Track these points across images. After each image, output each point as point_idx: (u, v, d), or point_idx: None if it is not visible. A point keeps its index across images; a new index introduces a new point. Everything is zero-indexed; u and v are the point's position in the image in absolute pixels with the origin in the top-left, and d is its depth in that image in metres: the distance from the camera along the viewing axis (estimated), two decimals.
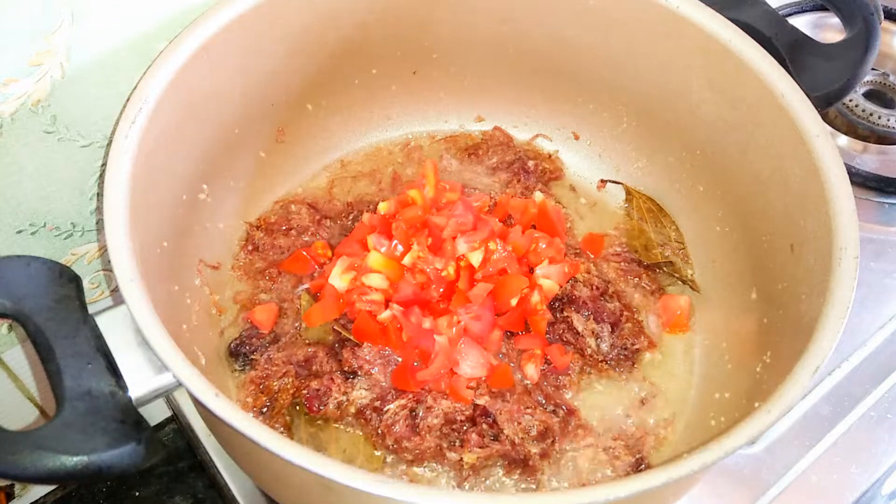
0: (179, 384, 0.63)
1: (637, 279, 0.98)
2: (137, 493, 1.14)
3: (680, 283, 0.98)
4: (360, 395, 0.83)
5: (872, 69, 1.25)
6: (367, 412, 0.83)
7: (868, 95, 1.25)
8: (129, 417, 0.62)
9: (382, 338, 0.85)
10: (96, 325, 0.66)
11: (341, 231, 0.98)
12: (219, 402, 0.60)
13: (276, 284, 0.93)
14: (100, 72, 0.81)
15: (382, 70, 1.03)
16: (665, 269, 0.99)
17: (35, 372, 1.00)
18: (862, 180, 1.14)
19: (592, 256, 0.99)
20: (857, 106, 1.22)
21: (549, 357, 0.88)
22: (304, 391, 0.83)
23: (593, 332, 0.89)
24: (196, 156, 0.85)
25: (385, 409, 0.82)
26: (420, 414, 0.81)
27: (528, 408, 0.83)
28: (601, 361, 0.89)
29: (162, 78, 0.76)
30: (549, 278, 0.90)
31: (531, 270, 0.92)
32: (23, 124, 0.79)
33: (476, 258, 0.88)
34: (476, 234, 0.89)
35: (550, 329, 0.90)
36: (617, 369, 0.90)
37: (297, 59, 0.93)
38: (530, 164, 1.05)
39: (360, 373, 0.84)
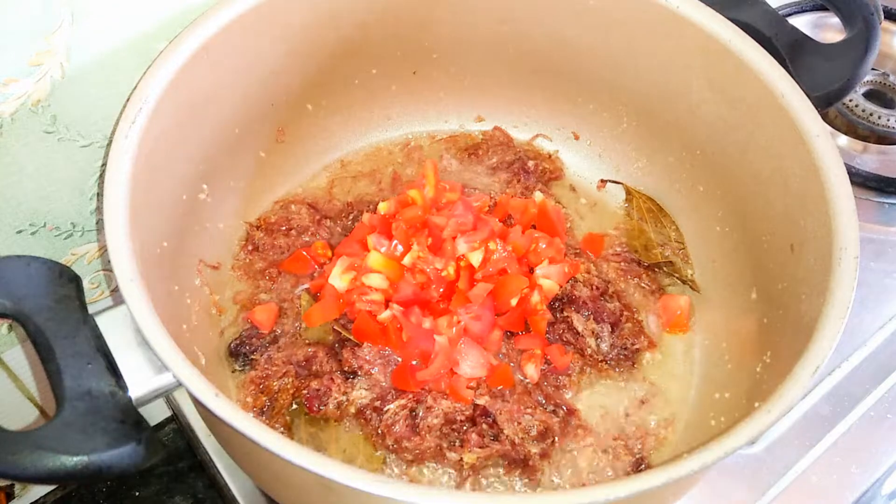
0: (179, 384, 0.63)
1: (637, 279, 0.98)
2: (137, 493, 1.14)
3: (680, 283, 0.98)
4: (360, 395, 0.83)
5: (872, 69, 1.25)
6: (367, 412, 0.83)
7: (868, 95, 1.25)
8: (129, 417, 0.62)
9: (382, 338, 0.85)
10: (96, 325, 0.66)
11: (341, 231, 0.98)
12: (219, 402, 0.60)
13: (276, 284, 0.93)
14: (100, 72, 0.81)
15: (382, 70, 1.03)
16: (665, 269, 0.99)
17: (35, 372, 1.00)
18: (862, 180, 1.14)
19: (592, 256, 0.99)
20: (857, 106, 1.22)
21: (549, 357, 0.88)
22: (304, 391, 0.83)
23: (593, 332, 0.89)
24: (196, 156, 0.85)
25: (385, 409, 0.82)
26: (420, 414, 0.81)
27: (528, 408, 0.83)
28: (601, 361, 0.89)
29: (162, 78, 0.76)
30: (549, 278, 0.90)
31: (531, 270, 0.92)
32: (23, 124, 0.79)
33: (476, 258, 0.88)
34: (476, 234, 0.89)
35: (550, 329, 0.90)
36: (617, 369, 0.90)
37: (297, 59, 0.93)
38: (530, 164, 1.05)
39: (360, 373, 0.84)
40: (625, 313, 0.92)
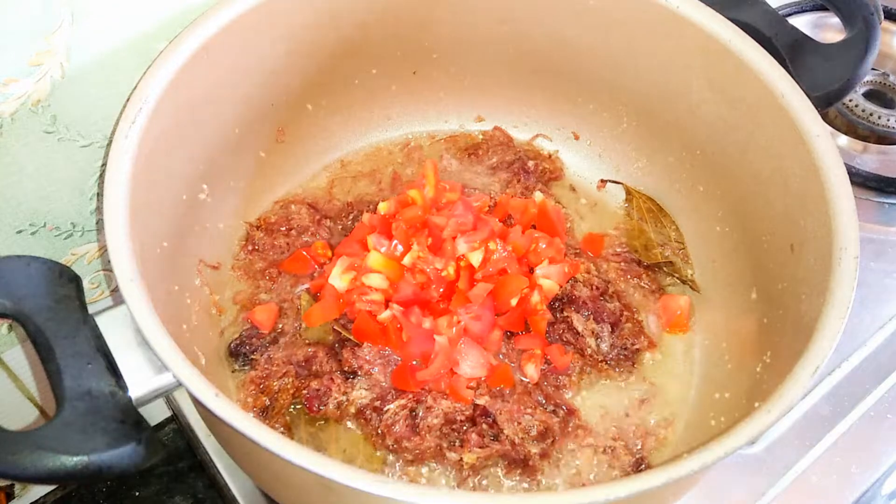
0: (179, 384, 0.63)
1: (637, 279, 0.98)
2: (137, 493, 1.14)
3: (680, 283, 0.98)
4: (360, 395, 0.83)
5: (872, 69, 1.25)
6: (367, 412, 0.83)
7: (868, 95, 1.25)
8: (129, 417, 0.62)
9: (382, 338, 0.85)
10: (96, 325, 0.66)
11: (341, 231, 0.98)
12: (219, 402, 0.60)
13: (276, 284, 0.93)
14: (100, 72, 0.81)
15: (382, 70, 1.03)
16: (665, 269, 0.99)
17: (35, 372, 1.00)
18: (862, 180, 1.14)
19: (592, 256, 0.99)
20: (857, 106, 1.22)
21: (549, 357, 0.88)
22: (304, 391, 0.83)
23: (593, 332, 0.89)
24: (196, 156, 0.85)
25: (385, 409, 0.82)
26: (420, 414, 0.81)
27: (528, 408, 0.83)
28: (601, 361, 0.89)
29: (162, 78, 0.76)
30: (549, 278, 0.90)
31: (531, 270, 0.92)
32: (23, 124, 0.79)
33: (476, 258, 0.88)
34: (476, 234, 0.89)
35: (550, 329, 0.90)
36: (617, 369, 0.90)
37: (297, 59, 0.93)
38: (530, 164, 1.05)
39: (360, 373, 0.84)
40: (625, 313, 0.92)
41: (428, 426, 0.81)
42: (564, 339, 0.89)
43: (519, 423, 0.82)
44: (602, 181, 1.08)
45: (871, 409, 0.97)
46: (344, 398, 0.83)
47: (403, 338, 0.85)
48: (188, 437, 1.01)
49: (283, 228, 0.96)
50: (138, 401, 0.64)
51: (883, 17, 0.90)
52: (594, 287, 0.92)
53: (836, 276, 0.71)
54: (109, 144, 0.77)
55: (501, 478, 0.82)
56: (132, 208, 0.70)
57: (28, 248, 0.88)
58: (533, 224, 0.97)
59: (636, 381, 0.91)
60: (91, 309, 0.67)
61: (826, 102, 0.84)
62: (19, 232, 0.87)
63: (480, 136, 1.11)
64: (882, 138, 1.21)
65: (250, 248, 0.96)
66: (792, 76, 0.83)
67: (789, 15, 1.31)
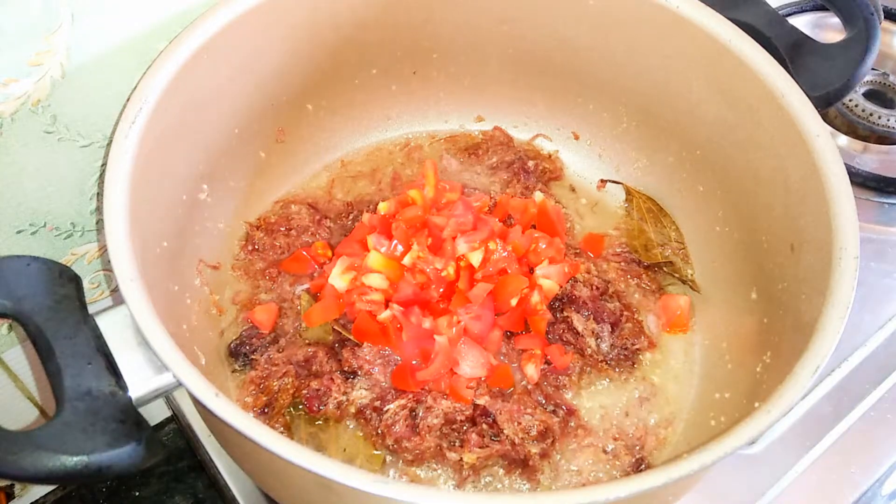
0: (179, 384, 0.63)
1: (637, 279, 0.98)
2: (137, 493, 1.14)
3: (680, 283, 0.98)
4: (360, 395, 0.83)
5: (872, 69, 1.24)
6: (367, 412, 0.83)
7: (868, 95, 1.25)
8: (129, 417, 0.62)
9: (382, 338, 0.85)
10: (96, 325, 0.66)
11: (341, 231, 0.98)
12: (219, 402, 0.60)
13: (276, 284, 0.93)
14: (100, 72, 0.81)
15: (382, 70, 1.03)
16: (665, 269, 0.99)
17: (35, 372, 1.00)
18: (862, 180, 1.14)
19: (592, 256, 0.99)
20: (857, 106, 1.22)
21: (549, 357, 0.88)
22: (304, 391, 0.83)
23: (593, 332, 0.89)
24: (196, 156, 0.85)
25: (385, 409, 0.82)
26: (420, 414, 0.81)
27: (528, 408, 0.83)
28: (601, 361, 0.89)
29: (162, 78, 0.76)
30: (549, 278, 0.90)
31: (531, 270, 0.92)
32: (23, 124, 0.79)
33: (476, 258, 0.88)
34: (476, 234, 0.89)
35: (550, 329, 0.90)
36: (617, 369, 0.90)
37: (297, 59, 0.93)
38: (530, 164, 1.05)
39: (360, 373, 0.84)
40: (625, 313, 0.92)
41: (428, 426, 0.81)
42: (564, 339, 0.89)
43: (519, 423, 0.82)
44: (602, 181, 1.08)
45: (871, 409, 0.97)
46: (344, 398, 0.83)
47: (403, 338, 0.85)
48: (188, 437, 1.01)
49: (283, 228, 0.97)
50: (138, 401, 0.64)
51: (883, 17, 0.90)
52: (594, 287, 0.92)
53: (836, 276, 0.71)
54: (109, 144, 0.77)
55: (501, 478, 0.82)
56: (132, 208, 0.70)
57: (28, 248, 0.88)
58: (533, 224, 0.97)
59: (636, 381, 0.91)
60: (91, 309, 0.67)
61: (826, 102, 0.84)
62: (19, 232, 0.87)
63: (480, 136, 1.11)
64: (882, 138, 1.21)
65: (250, 248, 0.96)
66: (792, 76, 0.83)
67: (789, 15, 1.31)
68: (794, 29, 0.88)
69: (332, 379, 0.84)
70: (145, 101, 0.74)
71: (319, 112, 1.02)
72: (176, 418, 1.07)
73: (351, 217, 0.99)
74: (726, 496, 0.90)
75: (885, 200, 1.15)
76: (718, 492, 0.90)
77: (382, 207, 0.93)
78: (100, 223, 0.93)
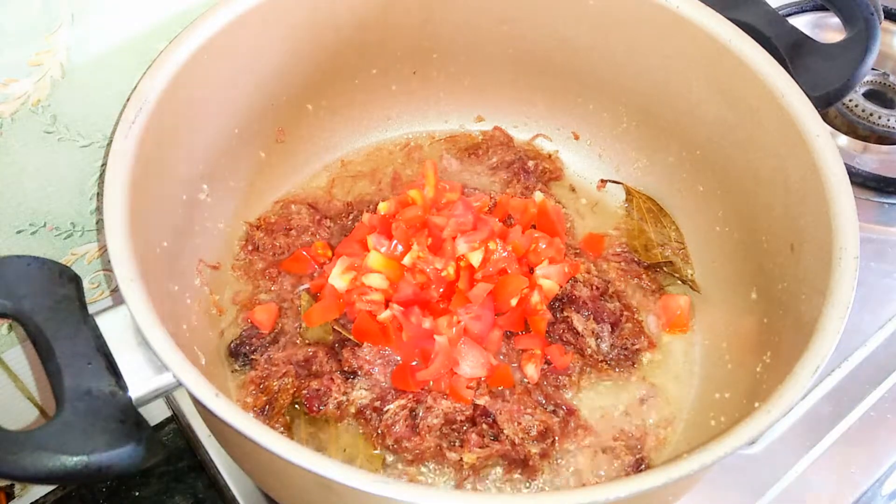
0: (179, 384, 0.63)
1: (637, 279, 0.98)
2: (137, 493, 1.14)
3: (680, 283, 0.98)
4: (360, 395, 0.83)
5: (872, 69, 1.24)
6: (367, 412, 0.83)
7: (868, 95, 1.25)
8: (129, 417, 0.62)
9: (382, 338, 0.85)
10: (96, 325, 0.66)
11: (341, 231, 0.98)
12: (219, 402, 0.60)
13: (276, 284, 0.93)
14: (100, 72, 0.81)
15: (382, 70, 1.03)
16: (665, 269, 0.99)
17: (35, 372, 1.00)
18: (862, 180, 1.14)
19: (592, 256, 0.99)
20: (857, 106, 1.22)
21: (549, 357, 0.88)
22: (304, 391, 0.83)
23: (593, 332, 0.89)
24: (196, 156, 0.85)
25: (385, 409, 0.82)
26: (420, 414, 0.81)
27: (528, 408, 0.83)
28: (601, 361, 0.89)
29: (162, 78, 0.76)
30: (549, 278, 0.90)
31: (531, 270, 0.92)
32: (23, 124, 0.79)
33: (476, 258, 0.88)
34: (476, 234, 0.89)
35: (550, 329, 0.90)
36: (617, 369, 0.90)
37: (297, 59, 0.93)
38: (530, 164, 1.05)
39: (360, 373, 0.84)
40: (625, 313, 0.92)
41: (428, 426, 0.81)
42: (564, 339, 0.89)
43: (519, 423, 0.82)
44: (602, 181, 1.08)
45: (871, 409, 0.97)
46: (344, 398, 0.83)
47: (403, 338, 0.85)
48: (188, 437, 1.01)
49: (283, 228, 0.97)
50: (138, 401, 0.64)
51: (883, 17, 0.90)
52: (594, 287, 0.92)
53: (836, 276, 0.71)
54: (109, 144, 0.77)
55: (501, 478, 0.82)
56: (132, 208, 0.70)
57: (28, 248, 0.88)
58: (533, 224, 0.97)
59: (636, 381, 0.91)
60: (91, 309, 0.67)
61: (826, 102, 0.84)
62: (19, 232, 0.87)
63: (480, 136, 1.11)
64: (882, 138, 1.21)
65: (250, 248, 0.96)
66: (792, 76, 0.83)
67: (789, 15, 1.31)
68: (794, 29, 0.88)
69: (332, 379, 0.84)
70: (145, 101, 0.74)
71: (319, 112, 1.02)
72: (176, 418, 1.07)
73: (351, 217, 0.99)
74: (726, 496, 0.90)
75: (885, 200, 1.15)
76: (718, 492, 0.90)
77: (382, 207, 0.93)
78: (100, 223, 0.93)
